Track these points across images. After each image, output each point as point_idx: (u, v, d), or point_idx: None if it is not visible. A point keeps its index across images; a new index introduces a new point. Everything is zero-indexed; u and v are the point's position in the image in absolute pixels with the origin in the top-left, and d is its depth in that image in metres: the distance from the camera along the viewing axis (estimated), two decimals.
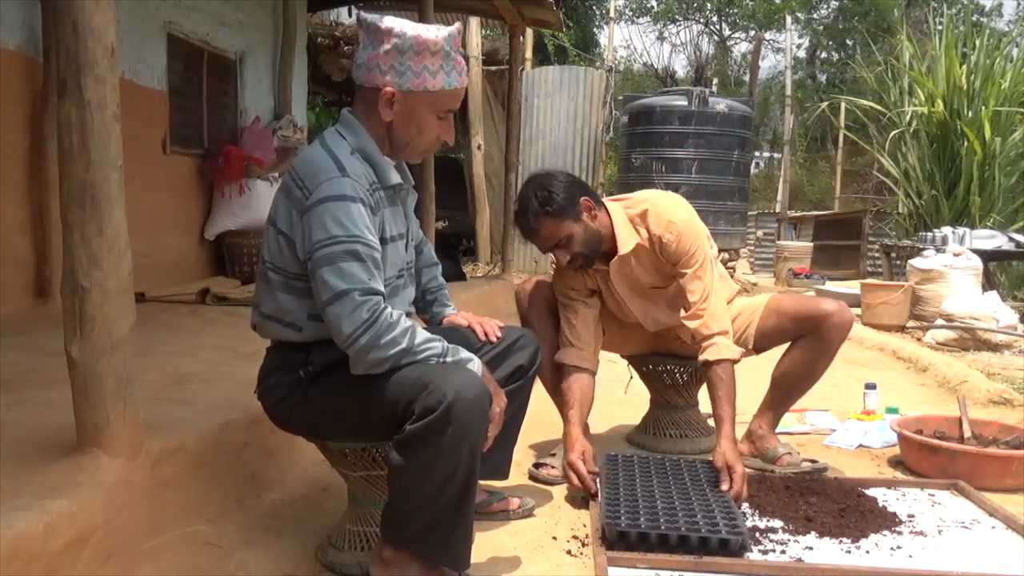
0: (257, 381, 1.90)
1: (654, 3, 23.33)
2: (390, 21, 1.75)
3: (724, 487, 2.33)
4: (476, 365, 1.78)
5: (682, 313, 2.56)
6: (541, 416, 3.06)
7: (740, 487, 2.32)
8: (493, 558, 2.02)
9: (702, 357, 2.49)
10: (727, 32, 23.70)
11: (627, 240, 2.54)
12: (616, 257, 2.56)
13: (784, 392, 2.74)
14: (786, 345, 2.73)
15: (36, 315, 3.87)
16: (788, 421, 3.23)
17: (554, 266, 2.68)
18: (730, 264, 9.00)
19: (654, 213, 2.55)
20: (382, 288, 1.71)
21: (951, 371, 4.33)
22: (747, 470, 2.41)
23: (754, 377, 2.89)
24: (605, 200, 2.61)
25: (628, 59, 23.12)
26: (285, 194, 1.79)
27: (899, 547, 2.11)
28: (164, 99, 5.04)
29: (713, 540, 1.99)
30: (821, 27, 22.84)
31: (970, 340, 5.37)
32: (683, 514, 2.11)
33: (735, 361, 2.50)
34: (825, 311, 2.62)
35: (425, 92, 1.78)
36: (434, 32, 1.76)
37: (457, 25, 1.86)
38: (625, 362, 3.09)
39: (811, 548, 2.08)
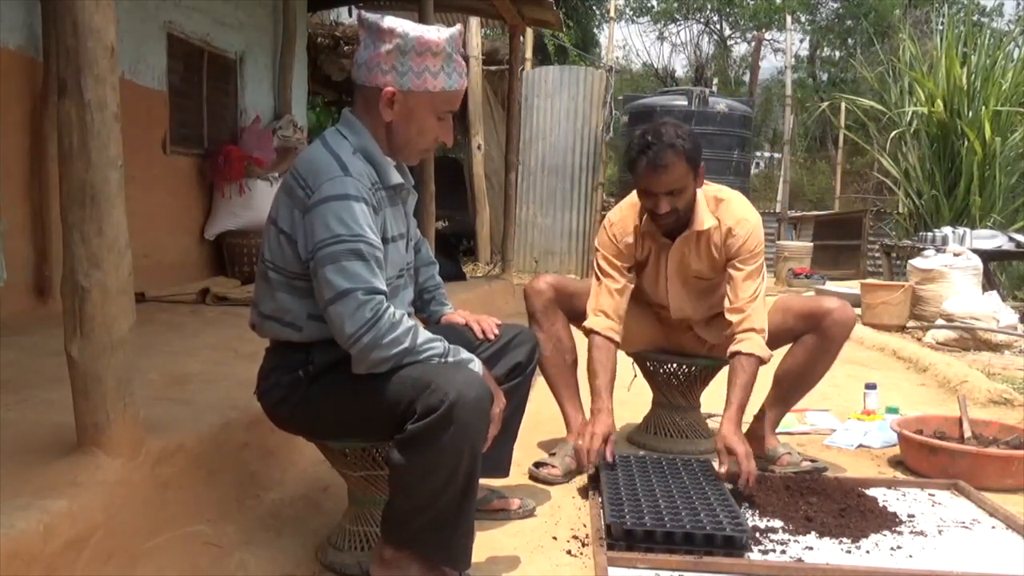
0: (257, 381, 1.90)
1: (654, 3, 23.31)
2: (392, 21, 1.75)
3: (722, 470, 2.34)
4: (477, 365, 1.78)
5: (726, 304, 2.57)
6: (541, 415, 3.06)
7: (748, 467, 2.30)
8: (493, 558, 2.02)
9: (733, 347, 2.51)
10: (727, 32, 23.70)
11: (706, 219, 2.58)
12: (688, 231, 2.58)
13: (785, 391, 2.75)
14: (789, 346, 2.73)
15: (36, 315, 3.87)
16: (788, 421, 3.23)
17: (607, 230, 2.69)
18: None
19: (729, 205, 2.61)
20: (384, 287, 1.71)
21: (951, 371, 4.33)
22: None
23: None
24: None
25: (625, 59, 23.12)
26: (287, 193, 1.79)
27: (899, 547, 2.11)
28: (164, 99, 5.03)
29: (718, 537, 2.00)
30: (822, 27, 22.83)
31: (970, 340, 5.37)
32: (686, 512, 2.11)
33: (762, 361, 2.51)
34: (827, 308, 2.65)
35: (425, 93, 1.78)
36: (436, 33, 1.76)
37: (459, 26, 1.85)
38: (629, 360, 3.09)
39: (811, 548, 2.08)
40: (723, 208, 2.61)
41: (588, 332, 2.66)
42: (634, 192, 2.66)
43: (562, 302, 2.76)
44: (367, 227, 1.70)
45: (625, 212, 2.69)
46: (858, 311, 6.49)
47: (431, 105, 1.80)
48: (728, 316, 2.56)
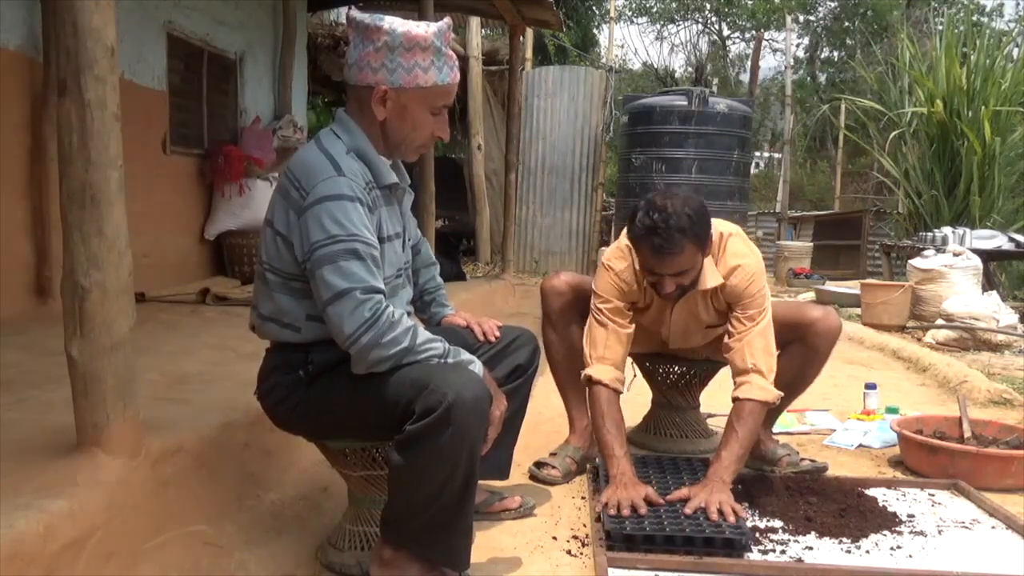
0: (257, 382, 1.90)
1: (652, 3, 23.29)
2: (379, 19, 1.74)
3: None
4: (477, 366, 1.78)
5: (725, 340, 2.42)
6: (541, 416, 3.07)
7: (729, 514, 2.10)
8: (493, 558, 2.02)
9: (733, 394, 2.35)
10: (726, 32, 23.68)
11: (711, 278, 2.39)
12: (696, 290, 2.41)
13: None
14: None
15: (36, 315, 3.86)
16: (788, 421, 3.23)
17: (610, 276, 2.48)
18: None
19: (729, 250, 2.43)
20: (383, 286, 1.71)
21: (951, 371, 4.32)
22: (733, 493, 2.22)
23: None
24: None
25: (622, 58, 23.08)
26: (281, 195, 1.79)
27: (899, 547, 2.11)
28: (164, 99, 5.03)
29: (717, 540, 1.99)
30: (820, 28, 22.82)
31: (970, 340, 5.37)
32: (685, 515, 2.11)
33: (767, 404, 2.33)
34: (810, 318, 2.56)
35: (417, 88, 1.77)
36: (424, 28, 1.76)
37: (447, 19, 1.83)
38: (628, 360, 3.07)
39: (811, 548, 2.08)
40: (723, 255, 2.43)
41: (593, 382, 2.42)
42: None
43: (580, 304, 2.64)
44: (363, 226, 1.70)
45: (627, 260, 2.47)
46: (858, 311, 6.53)
47: (424, 100, 1.80)
48: (725, 355, 2.41)
